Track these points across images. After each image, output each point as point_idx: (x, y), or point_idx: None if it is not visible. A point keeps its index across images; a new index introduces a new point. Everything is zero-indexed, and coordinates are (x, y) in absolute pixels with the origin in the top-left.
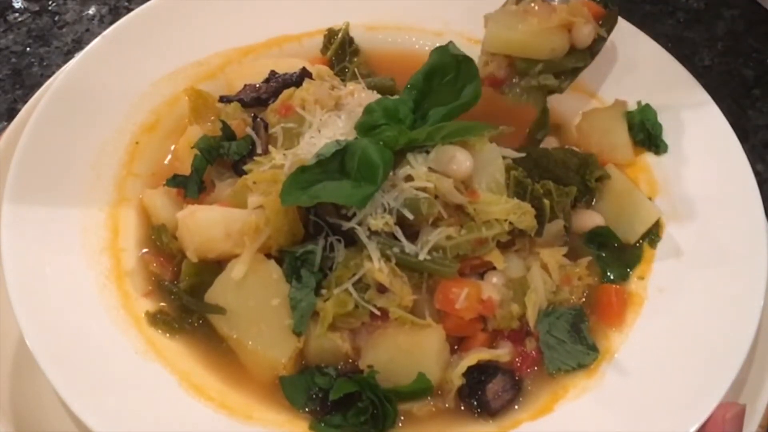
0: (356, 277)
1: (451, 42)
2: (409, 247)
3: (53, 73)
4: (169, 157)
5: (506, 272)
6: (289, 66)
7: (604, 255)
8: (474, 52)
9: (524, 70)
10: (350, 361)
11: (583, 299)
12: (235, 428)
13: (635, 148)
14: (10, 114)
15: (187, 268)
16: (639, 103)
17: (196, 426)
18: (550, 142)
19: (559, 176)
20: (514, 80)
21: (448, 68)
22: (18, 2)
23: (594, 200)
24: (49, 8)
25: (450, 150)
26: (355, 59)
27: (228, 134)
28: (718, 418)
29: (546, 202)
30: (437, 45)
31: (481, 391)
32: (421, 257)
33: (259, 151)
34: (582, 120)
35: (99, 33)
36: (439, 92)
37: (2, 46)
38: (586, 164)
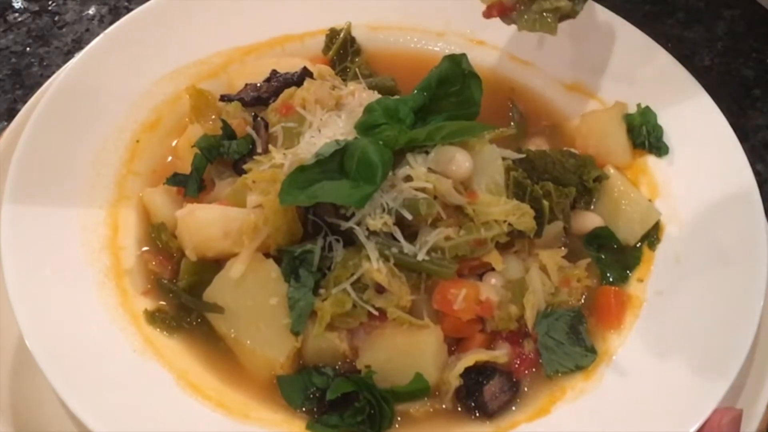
0: (354, 277)
1: (465, 54)
2: (407, 248)
3: (53, 73)
4: (170, 156)
5: (505, 273)
6: (290, 65)
7: (603, 257)
8: (475, 53)
9: None
10: (348, 360)
11: (582, 301)
12: (232, 427)
13: (636, 150)
14: (10, 114)
15: (186, 266)
16: (639, 105)
17: (194, 425)
18: (539, 144)
19: (556, 177)
20: (523, 6)
21: (456, 79)
22: (18, 2)
23: (593, 202)
24: (49, 8)
25: (450, 151)
26: (357, 59)
27: (228, 133)
28: (714, 423)
29: (545, 203)
30: (439, 45)
31: (479, 392)
32: (420, 258)
33: (259, 150)
34: (581, 122)
35: (99, 33)
36: (442, 100)
37: (2, 46)
38: (583, 165)
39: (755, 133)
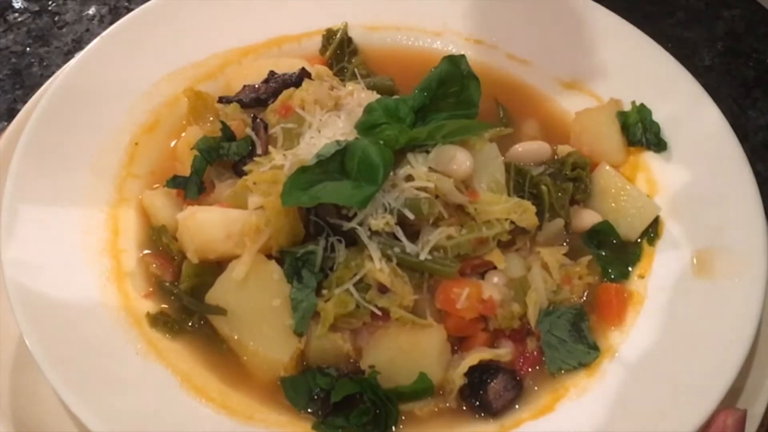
0: (357, 278)
1: (464, 55)
2: (410, 247)
3: (53, 73)
4: (169, 158)
5: (507, 272)
6: (288, 66)
7: (604, 254)
8: (474, 52)
9: None
10: (351, 361)
11: (584, 298)
12: (236, 429)
13: (635, 147)
14: (10, 114)
15: (187, 269)
16: (633, 103)
17: (197, 427)
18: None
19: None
20: None
21: (455, 80)
22: (18, 2)
23: (588, 193)
24: (49, 8)
25: (450, 150)
26: (354, 59)
27: (228, 135)
28: (719, 423)
29: (544, 188)
30: (436, 44)
31: (483, 390)
32: (422, 257)
33: (258, 151)
34: (574, 120)
35: (99, 33)
36: (442, 100)
37: (2, 46)
38: (562, 162)
39: (755, 133)
